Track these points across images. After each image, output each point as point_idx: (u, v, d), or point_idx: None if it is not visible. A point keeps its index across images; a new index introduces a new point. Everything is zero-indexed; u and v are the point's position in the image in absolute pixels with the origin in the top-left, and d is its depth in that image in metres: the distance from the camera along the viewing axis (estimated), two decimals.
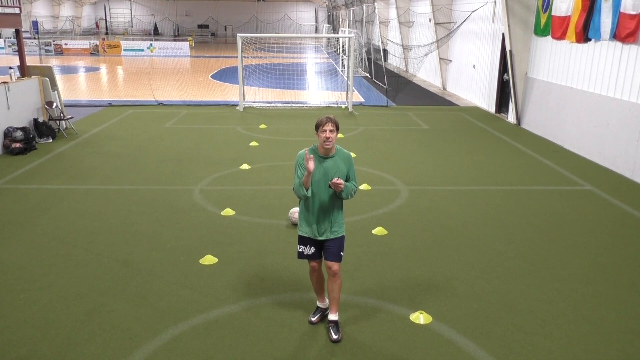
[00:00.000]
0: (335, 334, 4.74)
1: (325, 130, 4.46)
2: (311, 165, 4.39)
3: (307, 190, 4.54)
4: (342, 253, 4.77)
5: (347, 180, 4.64)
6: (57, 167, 10.06)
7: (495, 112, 16.48)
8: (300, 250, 4.82)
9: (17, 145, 10.97)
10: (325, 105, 17.79)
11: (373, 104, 18.24)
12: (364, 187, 8.94)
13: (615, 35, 10.21)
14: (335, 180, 4.44)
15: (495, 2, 16.20)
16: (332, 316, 4.83)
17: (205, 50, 45.28)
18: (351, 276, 5.88)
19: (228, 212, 7.76)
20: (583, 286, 5.77)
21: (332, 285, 4.76)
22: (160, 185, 9.05)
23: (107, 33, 64.56)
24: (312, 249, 4.76)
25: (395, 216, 7.72)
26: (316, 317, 5.03)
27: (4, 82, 11.48)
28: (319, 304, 5.10)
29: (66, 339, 4.70)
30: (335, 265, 4.71)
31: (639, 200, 8.58)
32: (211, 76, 26.47)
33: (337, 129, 4.53)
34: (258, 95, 18.51)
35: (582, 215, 7.91)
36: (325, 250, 4.75)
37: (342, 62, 27.34)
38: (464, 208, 8.11)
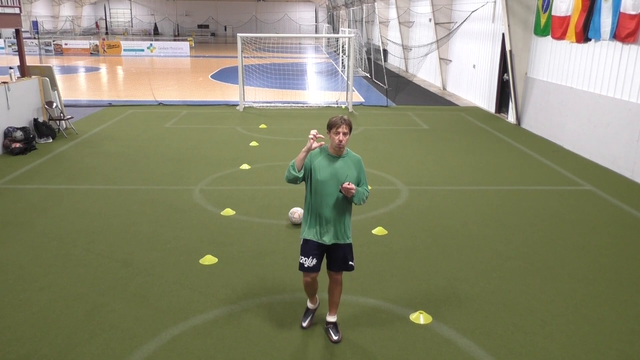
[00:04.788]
0: (335, 335, 4.73)
1: (339, 133, 4.30)
2: (315, 144, 4.27)
3: (299, 171, 4.34)
4: (351, 262, 4.58)
5: (357, 184, 4.47)
6: (57, 167, 10.06)
7: (495, 112, 16.48)
8: (301, 261, 4.54)
9: (17, 145, 10.97)
10: (325, 105, 17.80)
11: (373, 104, 18.24)
12: None
13: (615, 35, 10.21)
14: (346, 185, 4.26)
15: (495, 2, 16.20)
16: (331, 318, 4.81)
17: (205, 50, 45.28)
18: (351, 276, 5.86)
19: (228, 212, 7.76)
20: (583, 286, 5.77)
21: (334, 290, 4.71)
22: (160, 185, 9.05)
23: (107, 33, 64.54)
24: (314, 261, 4.49)
25: (395, 216, 7.72)
26: (307, 322, 4.89)
27: (4, 82, 11.48)
28: (309, 305, 4.95)
29: (66, 339, 4.70)
30: (339, 276, 4.63)
31: (639, 200, 8.58)
32: (211, 76, 26.47)
33: (350, 130, 4.38)
34: (258, 95, 18.51)
35: (582, 215, 7.91)
36: (330, 259, 4.58)
37: (342, 62, 27.33)
38: (464, 208, 8.11)
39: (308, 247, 4.50)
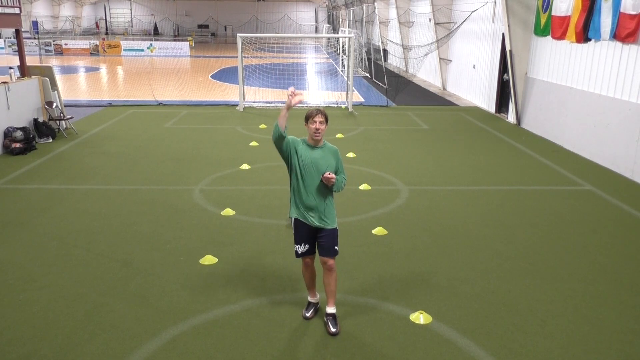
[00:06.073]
0: (334, 327, 4.77)
1: (315, 122, 4.58)
2: (294, 100, 4.49)
3: (283, 130, 4.55)
4: (336, 247, 4.79)
5: (335, 173, 4.72)
6: (57, 167, 10.06)
7: (495, 112, 16.48)
8: (295, 249, 4.85)
9: (17, 145, 10.97)
10: (325, 105, 17.78)
11: (373, 104, 18.23)
12: (364, 187, 8.94)
13: (615, 35, 10.21)
14: (327, 174, 4.52)
15: (495, 2, 16.20)
16: (330, 309, 4.87)
17: (205, 50, 45.28)
18: (351, 276, 5.88)
19: (228, 212, 7.76)
20: (583, 286, 5.77)
21: (328, 279, 4.82)
22: (160, 185, 9.05)
23: (107, 33, 64.53)
24: (307, 246, 4.78)
25: (395, 216, 7.72)
26: (310, 312, 5.07)
27: (4, 82, 11.48)
28: (310, 299, 5.15)
29: (66, 339, 4.70)
30: (330, 261, 4.76)
31: (639, 200, 8.58)
32: (211, 76, 26.47)
33: (327, 121, 4.66)
34: (258, 95, 18.50)
35: (582, 215, 7.91)
36: (319, 245, 4.78)
37: (342, 62, 27.33)
38: (464, 208, 8.11)
39: (299, 235, 4.79)
